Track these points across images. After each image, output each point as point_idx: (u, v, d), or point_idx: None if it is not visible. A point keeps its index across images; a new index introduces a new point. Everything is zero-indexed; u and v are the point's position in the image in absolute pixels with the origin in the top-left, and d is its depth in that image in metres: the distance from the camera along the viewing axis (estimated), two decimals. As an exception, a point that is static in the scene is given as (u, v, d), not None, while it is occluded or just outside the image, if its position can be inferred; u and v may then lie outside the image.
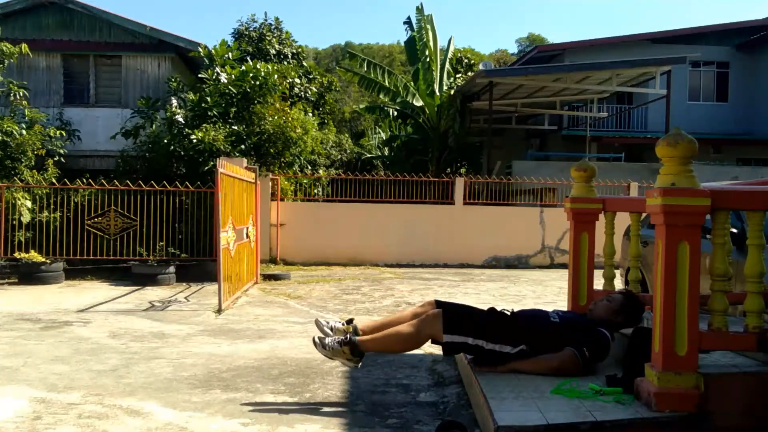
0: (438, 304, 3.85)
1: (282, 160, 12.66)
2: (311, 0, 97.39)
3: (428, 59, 18.13)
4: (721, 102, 22.32)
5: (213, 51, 12.80)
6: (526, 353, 3.62)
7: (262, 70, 12.13)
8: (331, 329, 3.84)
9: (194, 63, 14.32)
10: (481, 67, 19.07)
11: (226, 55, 12.74)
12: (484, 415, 3.12)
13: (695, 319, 2.91)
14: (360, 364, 3.79)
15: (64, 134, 12.45)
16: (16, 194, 10.04)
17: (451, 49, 19.61)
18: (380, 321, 4.04)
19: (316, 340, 3.76)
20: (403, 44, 22.24)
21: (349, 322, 3.92)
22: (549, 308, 4.21)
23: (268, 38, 20.25)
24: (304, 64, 21.65)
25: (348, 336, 3.74)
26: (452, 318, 3.70)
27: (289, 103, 13.33)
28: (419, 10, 18.36)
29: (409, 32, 18.57)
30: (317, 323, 3.91)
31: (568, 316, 3.94)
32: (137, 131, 12.05)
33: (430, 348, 5.31)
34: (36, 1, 13.80)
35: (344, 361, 3.76)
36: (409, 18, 18.61)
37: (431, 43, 18.29)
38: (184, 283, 9.47)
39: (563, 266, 11.96)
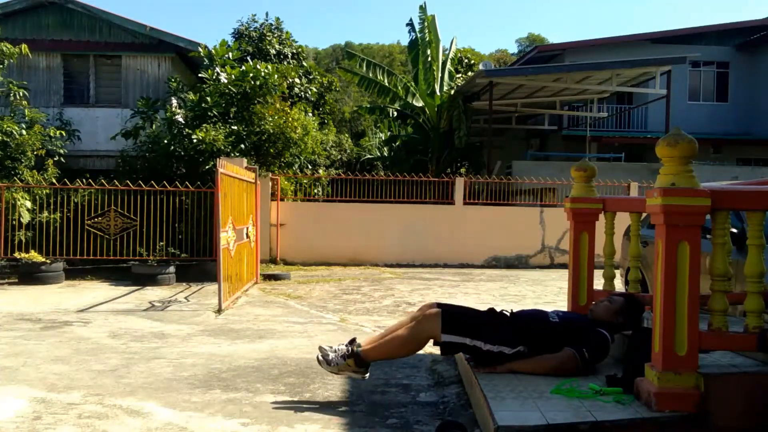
0: (438, 305, 3.86)
1: (282, 160, 12.66)
2: (311, 0, 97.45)
3: (429, 59, 18.13)
4: (721, 102, 22.32)
5: (213, 51, 12.79)
6: (524, 354, 3.62)
7: (262, 70, 12.13)
8: (335, 351, 3.82)
9: (194, 63, 14.32)
10: (481, 67, 19.06)
11: (226, 55, 12.73)
12: (484, 415, 3.12)
13: (695, 319, 2.91)
14: (368, 375, 3.82)
15: (64, 134, 12.44)
16: (16, 194, 10.04)
17: (453, 49, 19.60)
18: (381, 333, 4.05)
19: (320, 357, 3.77)
20: (403, 44, 22.24)
21: (352, 342, 3.89)
22: (549, 308, 4.21)
23: (269, 38, 20.24)
24: (304, 64, 21.64)
25: (350, 348, 3.75)
26: (450, 318, 3.70)
27: (289, 103, 13.33)
28: (422, 9, 18.34)
29: (412, 34, 18.57)
30: (321, 349, 3.84)
31: (568, 316, 3.94)
32: (137, 131, 12.05)
33: (430, 348, 5.31)
34: (36, 1, 13.80)
35: (351, 374, 3.78)
36: (411, 20, 18.63)
37: (433, 43, 18.28)
38: (184, 283, 9.47)
39: (563, 266, 11.96)
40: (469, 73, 21.66)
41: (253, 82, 11.99)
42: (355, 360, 3.71)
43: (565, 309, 4.54)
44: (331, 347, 3.85)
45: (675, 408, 2.89)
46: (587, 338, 3.62)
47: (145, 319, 6.62)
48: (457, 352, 3.91)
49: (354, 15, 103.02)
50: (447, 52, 19.10)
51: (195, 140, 10.86)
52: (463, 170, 19.83)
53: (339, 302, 7.88)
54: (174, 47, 13.97)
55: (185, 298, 8.20)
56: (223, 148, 10.85)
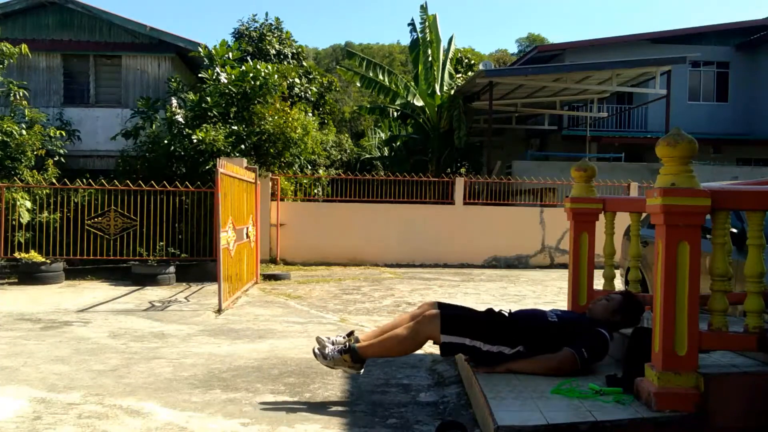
0: (438, 305, 3.86)
1: (282, 160, 12.65)
2: (311, 0, 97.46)
3: (430, 59, 18.12)
4: (721, 102, 22.32)
5: (213, 51, 12.79)
6: (523, 354, 3.62)
7: (262, 70, 12.12)
8: (333, 343, 3.83)
9: (194, 63, 14.32)
10: (481, 67, 19.06)
11: (226, 55, 12.73)
12: (484, 415, 3.12)
13: (695, 319, 2.91)
14: (362, 370, 3.82)
15: (64, 134, 12.45)
16: (16, 194, 10.04)
17: (452, 48, 19.59)
18: (380, 329, 4.03)
19: (317, 351, 3.77)
20: (403, 44, 22.23)
21: (350, 334, 3.91)
22: (549, 308, 4.21)
23: (269, 38, 20.23)
24: (304, 64, 21.64)
25: (347, 344, 3.75)
26: (450, 319, 3.70)
27: (289, 103, 13.33)
28: (423, 8, 18.34)
29: (414, 34, 18.56)
30: (318, 340, 3.87)
31: (567, 315, 3.94)
32: (137, 131, 12.05)
33: (430, 348, 5.31)
34: (36, 1, 13.81)
35: (346, 369, 3.78)
36: (413, 20, 18.62)
37: (434, 43, 18.28)
38: (184, 283, 9.47)
39: (563, 266, 11.96)
40: (469, 73, 21.66)
41: (253, 82, 11.99)
42: (351, 355, 3.70)
43: (564, 309, 4.54)
44: (329, 338, 3.87)
45: (675, 408, 2.89)
46: (586, 338, 3.61)
47: (145, 319, 6.62)
48: (457, 353, 3.91)
49: (354, 15, 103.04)
50: (447, 51, 19.09)
51: (195, 140, 10.86)
52: (463, 170, 19.81)
53: (339, 302, 7.88)
54: (174, 47, 13.98)
55: (185, 298, 8.20)
56: (223, 148, 10.85)
